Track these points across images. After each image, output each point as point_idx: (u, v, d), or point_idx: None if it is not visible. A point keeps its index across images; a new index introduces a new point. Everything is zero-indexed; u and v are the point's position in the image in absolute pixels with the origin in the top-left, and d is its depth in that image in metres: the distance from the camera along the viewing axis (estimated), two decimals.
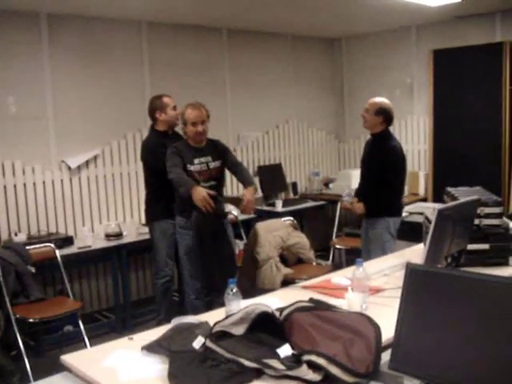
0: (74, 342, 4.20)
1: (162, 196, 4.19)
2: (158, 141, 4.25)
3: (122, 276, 4.80)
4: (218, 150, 4.02)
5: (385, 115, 4.11)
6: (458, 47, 5.83)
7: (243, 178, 4.01)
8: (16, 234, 4.40)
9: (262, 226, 4.22)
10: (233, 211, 5.26)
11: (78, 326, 4.02)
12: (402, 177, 4.31)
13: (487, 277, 1.51)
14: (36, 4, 4.39)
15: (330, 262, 5.42)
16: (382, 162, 4.08)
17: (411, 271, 1.64)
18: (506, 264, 2.87)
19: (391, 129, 4.27)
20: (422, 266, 1.89)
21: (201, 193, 3.56)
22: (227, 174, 4.16)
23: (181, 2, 4.60)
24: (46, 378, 1.96)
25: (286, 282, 4.09)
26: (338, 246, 5.56)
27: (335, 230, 5.80)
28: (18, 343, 3.70)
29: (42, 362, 4.04)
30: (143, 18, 5.18)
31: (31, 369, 3.67)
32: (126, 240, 4.75)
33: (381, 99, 4.21)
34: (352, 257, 4.75)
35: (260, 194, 5.94)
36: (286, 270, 4.27)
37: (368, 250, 4.11)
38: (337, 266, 5.00)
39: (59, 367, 2.02)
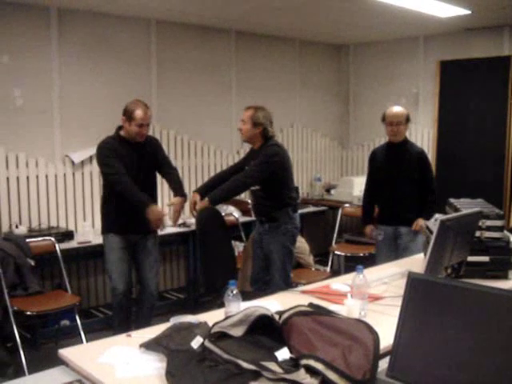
0: (70, 337, 4.22)
1: (113, 207, 3.87)
2: (114, 145, 3.86)
3: None
4: None
5: (409, 119, 4.27)
6: (465, 59, 5.85)
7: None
8: (17, 227, 4.42)
9: None
10: (234, 213, 5.27)
11: (75, 321, 4.02)
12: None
13: (488, 289, 1.52)
14: None
15: (328, 268, 5.43)
16: (425, 163, 4.18)
17: (413, 280, 1.65)
18: (505, 277, 2.88)
19: None
20: (424, 275, 1.89)
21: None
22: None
23: (190, 1, 4.61)
24: (42, 371, 1.95)
25: None
26: (337, 252, 5.56)
27: (335, 236, 5.79)
28: (15, 335, 3.71)
29: (38, 355, 4.05)
30: (152, 16, 5.19)
31: (26, 361, 3.68)
32: None
33: (398, 108, 4.27)
34: (351, 263, 4.76)
35: None
36: None
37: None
38: (335, 272, 5.00)
39: (54, 361, 2.02)
